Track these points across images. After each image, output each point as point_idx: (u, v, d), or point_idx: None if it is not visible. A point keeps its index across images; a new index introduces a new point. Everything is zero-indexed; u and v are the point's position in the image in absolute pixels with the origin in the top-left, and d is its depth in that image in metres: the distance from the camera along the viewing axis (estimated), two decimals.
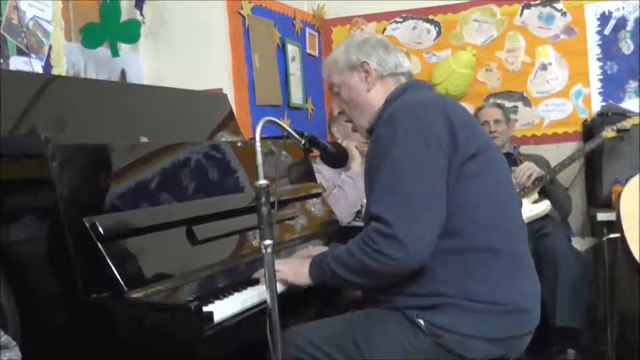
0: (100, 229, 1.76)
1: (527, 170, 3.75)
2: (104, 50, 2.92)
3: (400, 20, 4.54)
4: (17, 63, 2.49)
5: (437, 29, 4.49)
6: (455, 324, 1.88)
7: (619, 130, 3.82)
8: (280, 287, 2.00)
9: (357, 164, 3.41)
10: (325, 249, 2.17)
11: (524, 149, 4.18)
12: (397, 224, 1.81)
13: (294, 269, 2.06)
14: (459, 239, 1.90)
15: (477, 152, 1.94)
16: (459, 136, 1.91)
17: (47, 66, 2.64)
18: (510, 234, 1.98)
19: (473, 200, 1.92)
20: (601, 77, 4.25)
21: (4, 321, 1.71)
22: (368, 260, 1.85)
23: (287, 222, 2.55)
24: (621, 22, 4.20)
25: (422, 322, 1.90)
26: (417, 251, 1.83)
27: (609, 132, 3.83)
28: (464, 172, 1.91)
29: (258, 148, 1.77)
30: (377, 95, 2.12)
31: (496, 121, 3.95)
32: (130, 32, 2.97)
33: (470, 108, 4.12)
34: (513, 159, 3.92)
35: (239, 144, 2.55)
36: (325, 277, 1.99)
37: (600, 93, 4.26)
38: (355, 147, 3.42)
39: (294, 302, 2.11)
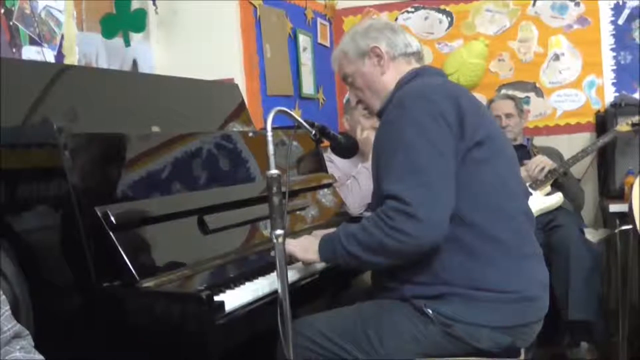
0: (112, 218, 1.77)
1: (539, 163, 3.73)
2: (116, 40, 2.92)
3: (412, 10, 4.52)
4: (29, 52, 2.50)
5: (449, 19, 4.47)
6: (463, 313, 1.89)
7: (633, 125, 3.79)
8: (292, 275, 2.01)
9: None
10: None
11: (537, 141, 4.15)
12: (414, 202, 1.81)
13: (303, 245, 2.07)
14: (464, 226, 1.90)
15: (484, 140, 1.94)
16: (466, 122, 1.91)
17: (60, 56, 2.65)
18: (515, 222, 1.98)
19: (477, 187, 1.92)
20: (614, 67, 4.23)
21: (17, 310, 1.72)
22: (385, 238, 1.84)
23: (297, 212, 2.56)
24: (635, 12, 4.16)
25: (430, 312, 1.90)
26: (434, 228, 1.83)
27: (622, 126, 3.80)
28: (469, 159, 1.91)
29: (269, 138, 1.77)
30: (391, 78, 2.12)
31: (507, 115, 3.91)
32: (137, 22, 2.97)
33: (482, 99, 4.10)
34: (527, 151, 3.90)
35: (250, 133, 2.55)
36: (335, 255, 1.97)
37: (613, 83, 4.23)
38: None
39: (305, 293, 2.11)
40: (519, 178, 2.12)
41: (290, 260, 2.09)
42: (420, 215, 1.81)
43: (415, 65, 2.15)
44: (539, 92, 4.36)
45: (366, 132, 3.41)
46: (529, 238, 2.03)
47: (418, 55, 2.17)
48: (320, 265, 2.13)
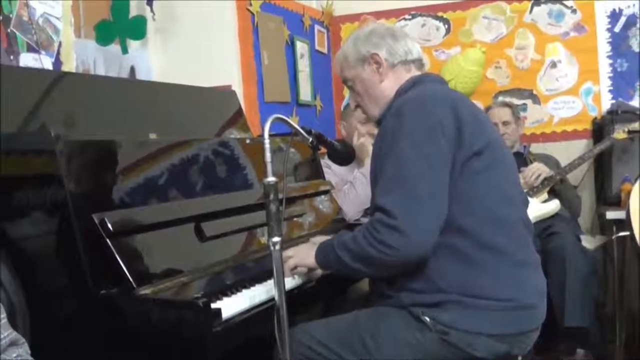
0: (109, 225, 1.77)
1: (536, 171, 3.74)
2: (113, 47, 2.92)
3: (409, 17, 4.53)
4: (27, 60, 2.50)
5: (446, 26, 4.48)
6: (460, 321, 1.89)
7: (629, 132, 3.80)
8: (289, 282, 2.01)
9: None
10: None
11: (534, 148, 4.16)
12: (400, 216, 1.82)
13: (302, 252, 2.10)
14: (462, 235, 1.90)
15: (483, 149, 1.94)
16: (465, 132, 1.91)
17: (57, 63, 2.65)
18: (514, 231, 1.98)
19: (477, 197, 1.92)
20: (611, 74, 4.23)
21: (14, 317, 1.71)
22: (371, 249, 1.86)
23: (295, 219, 2.56)
24: (632, 20, 4.17)
25: (427, 319, 1.90)
26: (419, 243, 1.83)
27: (619, 134, 3.81)
28: (468, 168, 1.91)
29: (267, 145, 1.77)
30: (390, 85, 2.12)
31: (505, 123, 3.92)
32: (137, 29, 2.97)
33: (479, 106, 4.10)
34: (523, 159, 3.90)
35: (248, 140, 2.56)
36: (330, 262, 2.00)
37: (610, 91, 4.23)
38: (371, 144, 3.40)
39: (302, 300, 2.11)
40: (518, 186, 2.12)
41: (291, 272, 2.10)
42: (405, 229, 1.81)
43: (415, 72, 2.15)
44: (536, 99, 4.36)
45: (362, 139, 3.41)
46: (527, 246, 2.03)
47: (419, 63, 2.17)
48: (319, 273, 2.13)
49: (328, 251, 2.00)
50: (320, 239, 2.23)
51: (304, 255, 2.08)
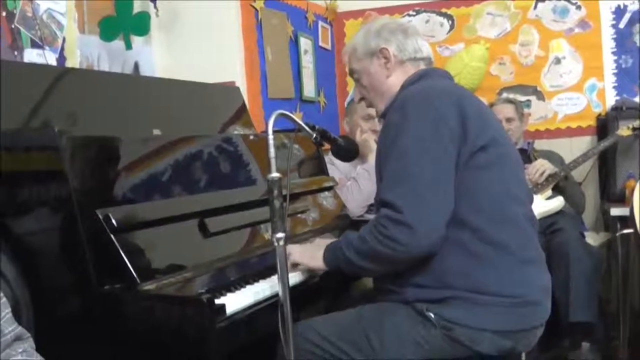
0: (113, 221, 1.77)
1: (540, 168, 3.73)
2: (117, 43, 2.93)
3: (414, 13, 4.53)
4: (31, 55, 2.50)
5: (450, 22, 4.48)
6: (465, 317, 1.88)
7: (634, 129, 3.80)
8: (293, 278, 2.01)
9: (374, 156, 3.39)
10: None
11: (538, 144, 4.15)
12: (406, 210, 1.81)
13: (309, 252, 2.09)
14: (467, 231, 1.90)
15: (488, 145, 1.93)
16: (469, 128, 1.91)
17: (61, 58, 2.65)
18: (518, 227, 1.97)
19: (481, 192, 1.92)
20: (615, 71, 4.22)
21: (18, 312, 1.72)
22: (378, 245, 1.86)
23: (298, 215, 2.56)
24: (636, 16, 4.16)
25: (432, 315, 1.90)
26: (426, 236, 1.83)
27: (624, 130, 3.81)
28: (472, 164, 1.91)
29: (270, 141, 1.77)
30: (396, 81, 2.11)
31: (508, 120, 3.90)
32: (141, 25, 2.97)
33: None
34: (527, 155, 3.89)
35: (252, 136, 2.55)
36: (338, 263, 2.00)
37: (614, 87, 4.23)
38: (374, 140, 3.40)
39: (306, 296, 2.11)
40: (523, 182, 2.11)
41: (295, 269, 2.10)
42: (411, 222, 1.81)
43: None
44: (540, 96, 4.36)
45: (365, 135, 3.41)
46: (532, 243, 2.02)
47: (428, 61, 2.17)
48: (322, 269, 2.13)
49: (336, 253, 1.99)
50: (322, 240, 2.23)
51: (311, 256, 2.08)
